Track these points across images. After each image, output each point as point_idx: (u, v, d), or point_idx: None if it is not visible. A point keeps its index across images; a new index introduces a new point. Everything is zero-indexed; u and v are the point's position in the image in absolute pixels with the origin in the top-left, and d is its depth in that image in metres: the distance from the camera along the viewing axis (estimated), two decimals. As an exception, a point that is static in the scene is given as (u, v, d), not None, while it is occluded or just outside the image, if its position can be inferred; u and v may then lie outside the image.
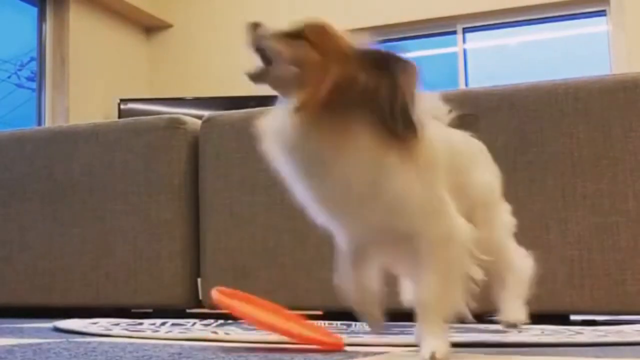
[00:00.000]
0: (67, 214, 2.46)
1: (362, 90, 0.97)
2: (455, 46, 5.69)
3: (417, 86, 1.00)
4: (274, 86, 1.07)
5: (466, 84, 5.62)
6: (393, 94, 0.96)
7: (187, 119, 2.41)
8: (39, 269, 2.47)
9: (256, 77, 1.08)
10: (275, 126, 1.03)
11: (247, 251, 2.24)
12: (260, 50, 1.06)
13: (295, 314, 1.37)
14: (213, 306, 2.31)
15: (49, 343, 1.31)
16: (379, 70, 0.98)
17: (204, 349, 1.23)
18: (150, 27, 6.20)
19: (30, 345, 1.27)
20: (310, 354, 1.16)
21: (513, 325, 1.49)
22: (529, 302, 1.55)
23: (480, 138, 2.02)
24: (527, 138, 1.97)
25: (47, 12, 5.44)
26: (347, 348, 1.24)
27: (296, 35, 1.03)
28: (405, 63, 0.99)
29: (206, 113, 2.45)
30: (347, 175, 1.00)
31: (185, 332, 1.50)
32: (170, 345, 1.28)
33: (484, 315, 2.14)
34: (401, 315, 2.00)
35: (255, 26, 1.06)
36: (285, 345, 1.24)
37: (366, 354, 1.17)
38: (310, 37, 1.02)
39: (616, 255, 1.87)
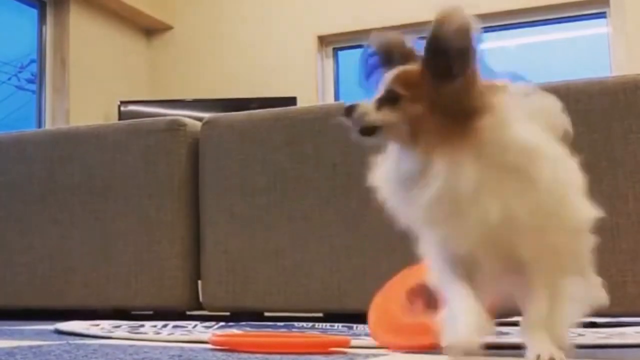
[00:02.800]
0: (68, 215, 2.45)
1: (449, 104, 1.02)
2: (455, 48, 5.69)
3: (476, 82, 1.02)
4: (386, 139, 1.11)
5: (466, 86, 5.61)
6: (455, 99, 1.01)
7: (188, 120, 2.41)
8: (39, 271, 2.46)
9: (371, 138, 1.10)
10: (406, 174, 1.07)
11: (247, 253, 2.24)
12: (366, 129, 1.08)
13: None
14: (214, 309, 2.31)
15: (49, 345, 1.31)
16: (441, 80, 1.02)
17: (205, 351, 1.23)
18: (151, 29, 6.19)
19: (31, 347, 1.27)
20: (311, 356, 1.16)
21: None
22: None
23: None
24: (528, 140, 1.97)
25: (47, 14, 5.44)
26: (349, 350, 1.24)
27: (393, 99, 1.05)
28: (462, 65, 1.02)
29: (206, 115, 2.45)
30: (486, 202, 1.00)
31: (187, 334, 1.50)
32: (171, 347, 1.28)
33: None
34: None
35: (351, 110, 1.07)
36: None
37: (367, 356, 1.17)
38: (402, 92, 1.05)
39: (617, 257, 1.87)
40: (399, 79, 1.06)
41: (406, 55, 1.09)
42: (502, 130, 1.00)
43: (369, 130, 1.08)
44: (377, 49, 1.12)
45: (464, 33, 1.01)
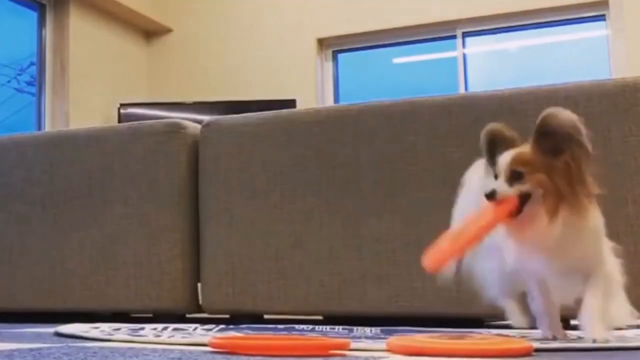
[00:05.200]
0: (67, 218, 2.45)
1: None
2: (455, 51, 5.70)
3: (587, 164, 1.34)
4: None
5: (466, 89, 5.62)
6: (571, 174, 1.33)
7: (187, 123, 2.41)
8: (39, 274, 2.47)
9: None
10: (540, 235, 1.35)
11: (247, 256, 2.24)
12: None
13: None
14: (213, 312, 2.31)
15: (49, 348, 1.31)
16: (556, 155, 1.34)
17: (204, 353, 1.23)
18: (150, 32, 6.20)
19: (30, 350, 1.26)
20: (311, 359, 1.16)
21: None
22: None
23: (479, 142, 2.02)
24: (527, 142, 1.97)
25: (47, 16, 5.45)
26: (348, 352, 1.24)
27: (517, 176, 1.36)
28: (576, 144, 1.33)
29: (206, 117, 2.45)
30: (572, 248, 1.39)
31: (187, 337, 1.50)
32: (171, 350, 1.28)
33: (486, 320, 2.14)
34: (401, 320, 2.00)
35: (493, 194, 1.35)
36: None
37: (367, 359, 1.17)
38: (522, 169, 1.35)
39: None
40: (515, 160, 1.36)
41: (509, 141, 1.41)
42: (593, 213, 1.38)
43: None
44: (485, 138, 1.45)
45: (566, 123, 1.34)
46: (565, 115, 1.35)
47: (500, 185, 1.36)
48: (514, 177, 1.36)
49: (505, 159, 1.38)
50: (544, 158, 1.35)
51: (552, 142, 1.34)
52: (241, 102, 5.25)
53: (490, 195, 1.35)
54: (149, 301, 2.33)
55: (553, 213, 1.33)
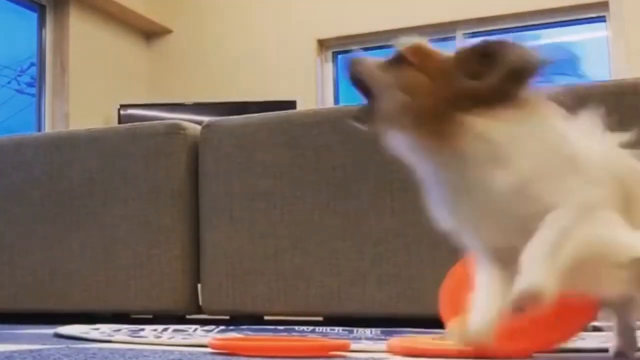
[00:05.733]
0: (67, 219, 2.45)
1: (468, 95, 0.95)
2: (454, 52, 5.70)
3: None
4: (383, 122, 1.00)
5: (466, 90, 5.61)
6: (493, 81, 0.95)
7: (187, 124, 2.41)
8: (39, 275, 2.46)
9: (363, 117, 1.01)
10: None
11: (247, 257, 2.24)
12: (363, 86, 1.00)
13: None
14: (213, 313, 2.31)
15: (48, 349, 1.31)
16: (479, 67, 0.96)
17: (204, 354, 1.23)
18: (151, 33, 6.20)
19: (30, 351, 1.26)
20: (311, 360, 1.16)
21: None
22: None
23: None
24: (528, 143, 1.97)
25: (47, 17, 5.45)
26: (348, 354, 1.24)
27: (398, 61, 0.98)
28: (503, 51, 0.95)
29: (206, 119, 2.45)
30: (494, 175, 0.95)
31: (187, 338, 1.50)
32: (171, 352, 1.28)
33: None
34: (401, 321, 2.00)
35: (355, 62, 0.99)
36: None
37: (367, 360, 1.17)
38: (412, 59, 0.97)
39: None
40: (418, 49, 0.99)
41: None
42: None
43: (363, 89, 0.99)
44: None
45: (524, 56, 0.98)
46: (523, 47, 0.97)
47: (372, 62, 0.98)
48: (396, 60, 0.98)
49: (408, 40, 1.00)
50: (460, 74, 0.96)
51: (484, 67, 0.96)
52: (241, 103, 5.25)
53: (352, 63, 0.98)
54: (149, 302, 2.33)
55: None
